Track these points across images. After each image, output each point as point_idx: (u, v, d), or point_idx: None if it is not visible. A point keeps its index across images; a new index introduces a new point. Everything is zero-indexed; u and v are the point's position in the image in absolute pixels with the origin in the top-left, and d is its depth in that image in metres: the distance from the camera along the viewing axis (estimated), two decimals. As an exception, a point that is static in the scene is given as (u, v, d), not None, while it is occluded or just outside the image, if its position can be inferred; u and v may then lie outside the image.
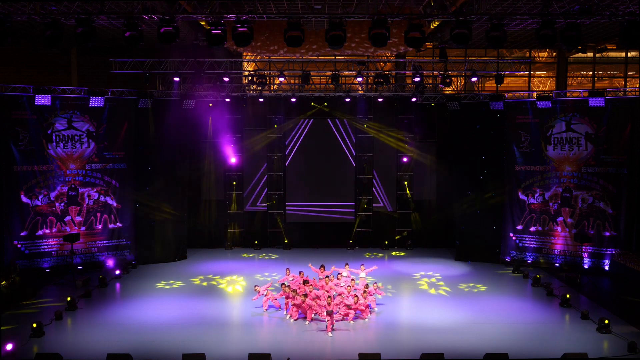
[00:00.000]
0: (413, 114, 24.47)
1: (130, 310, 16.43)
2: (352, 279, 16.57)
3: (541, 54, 25.76)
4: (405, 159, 24.61)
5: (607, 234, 20.53)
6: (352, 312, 15.27)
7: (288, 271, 17.22)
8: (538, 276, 19.24)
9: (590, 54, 23.55)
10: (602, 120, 20.45)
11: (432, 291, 18.08)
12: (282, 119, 24.65)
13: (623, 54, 24.68)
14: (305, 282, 15.95)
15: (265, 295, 16.08)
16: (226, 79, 21.01)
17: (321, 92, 23.56)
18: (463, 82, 24.42)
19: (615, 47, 23.03)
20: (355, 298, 15.20)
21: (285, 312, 15.85)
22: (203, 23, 16.46)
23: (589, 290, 18.43)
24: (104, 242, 21.55)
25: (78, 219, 21.08)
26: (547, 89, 25.76)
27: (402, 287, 19.06)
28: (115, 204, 21.72)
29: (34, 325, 14.10)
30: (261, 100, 23.98)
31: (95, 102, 20.60)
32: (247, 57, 23.16)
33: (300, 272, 16.66)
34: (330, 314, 14.47)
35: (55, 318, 15.30)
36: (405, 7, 15.48)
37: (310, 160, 24.86)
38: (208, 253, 23.86)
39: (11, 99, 19.61)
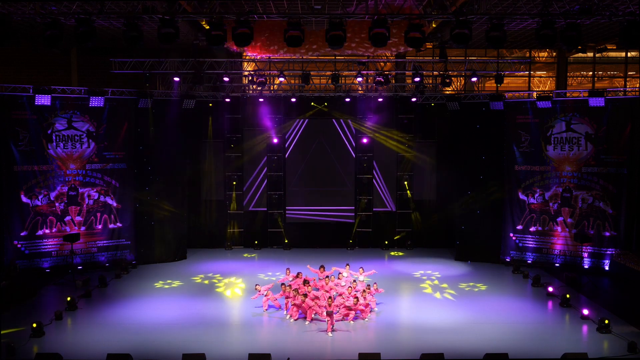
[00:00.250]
0: (413, 114, 24.48)
1: (130, 310, 16.43)
2: (354, 280, 16.57)
3: (541, 54, 25.76)
4: (365, 140, 24.54)
5: (607, 234, 20.53)
6: (352, 312, 15.28)
7: (288, 271, 17.24)
8: (538, 276, 19.24)
9: (590, 54, 23.55)
10: (602, 120, 20.45)
11: (437, 295, 17.93)
12: (282, 119, 24.65)
13: (623, 54, 24.68)
14: (305, 282, 15.95)
15: (266, 295, 16.08)
16: (226, 79, 21.01)
17: (321, 92, 23.56)
18: (463, 82, 24.41)
19: (615, 47, 23.04)
20: (355, 299, 15.20)
21: (285, 312, 15.85)
22: (203, 23, 16.50)
23: (589, 290, 18.43)
24: (104, 242, 21.56)
25: (78, 219, 21.08)
26: (547, 89, 25.76)
27: (402, 287, 19.06)
28: (115, 204, 21.72)
29: (34, 325, 14.11)
30: (261, 100, 23.98)
31: (95, 102, 20.60)
32: (247, 57, 23.16)
33: (298, 274, 16.65)
34: (330, 314, 14.47)
35: (55, 318, 15.30)
36: (405, 7, 15.46)
37: (310, 160, 24.85)
38: (208, 253, 23.87)
39: (11, 99, 19.61)
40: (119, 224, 21.83)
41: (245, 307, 16.65)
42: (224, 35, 12.71)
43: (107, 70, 20.77)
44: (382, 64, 22.98)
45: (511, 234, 22.25)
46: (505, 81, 21.44)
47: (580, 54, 23.69)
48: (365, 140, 24.71)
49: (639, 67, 24.46)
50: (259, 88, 22.40)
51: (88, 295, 17.59)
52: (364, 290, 15.71)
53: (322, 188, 24.90)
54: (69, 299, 16.43)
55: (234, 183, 24.73)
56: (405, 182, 24.85)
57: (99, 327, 15.03)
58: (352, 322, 15.18)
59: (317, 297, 15.45)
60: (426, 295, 17.98)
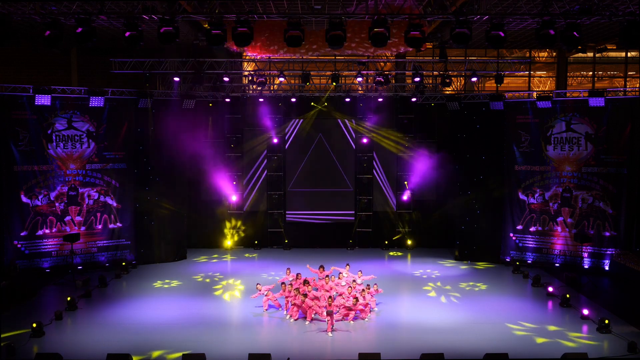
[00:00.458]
0: (413, 114, 24.48)
1: (130, 310, 16.43)
2: (354, 280, 16.56)
3: (541, 54, 25.76)
4: (365, 140, 24.58)
5: (607, 234, 20.53)
6: (352, 312, 15.27)
7: (288, 271, 17.24)
8: (538, 276, 19.24)
9: (590, 54, 23.55)
10: (602, 120, 20.45)
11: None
12: (282, 119, 24.65)
13: (623, 54, 24.68)
14: (306, 282, 15.95)
15: (266, 295, 16.08)
16: (226, 79, 21.02)
17: (321, 92, 23.56)
18: (463, 82, 24.42)
19: (615, 47, 23.03)
20: (355, 300, 15.19)
21: (285, 312, 15.85)
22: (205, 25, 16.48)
23: (589, 290, 18.43)
24: (104, 242, 21.56)
25: (78, 219, 21.08)
26: (547, 89, 25.77)
27: (402, 287, 19.06)
28: (115, 204, 21.73)
29: (34, 325, 14.10)
30: (261, 100, 23.98)
31: (95, 102, 20.60)
32: (247, 57, 23.16)
33: (298, 274, 16.64)
34: (330, 314, 14.47)
35: (55, 318, 15.30)
36: (405, 7, 15.46)
37: (310, 160, 24.85)
38: (208, 253, 23.88)
39: (11, 99, 19.61)
40: (119, 224, 21.83)
41: (245, 307, 16.65)
42: (224, 35, 12.72)
43: (107, 70, 20.77)
44: (382, 64, 22.98)
45: (511, 234, 22.25)
46: (505, 81, 21.45)
47: (580, 54, 23.69)
48: (365, 140, 24.70)
49: (639, 67, 24.46)
50: (259, 88, 22.40)
51: (88, 295, 17.59)
52: (362, 290, 15.72)
53: (322, 188, 24.90)
54: (69, 299, 16.42)
55: (234, 183, 24.72)
56: (405, 182, 24.84)
57: (99, 327, 15.02)
58: (352, 322, 15.18)
59: (317, 297, 15.45)
60: (426, 296, 17.96)
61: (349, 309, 15.20)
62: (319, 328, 14.74)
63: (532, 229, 21.90)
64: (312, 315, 15.17)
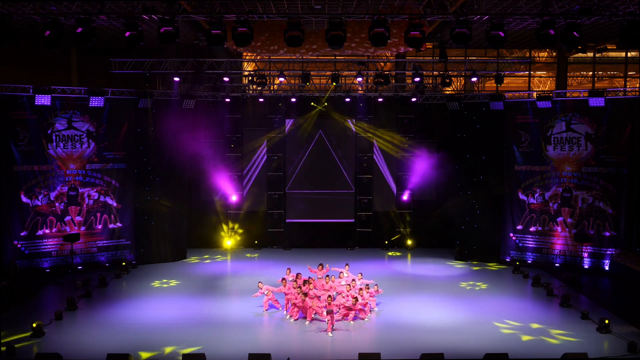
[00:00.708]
0: (413, 114, 24.48)
1: (130, 310, 16.43)
2: (353, 279, 16.56)
3: (541, 54, 25.77)
4: (365, 140, 24.62)
5: (607, 234, 20.54)
6: (352, 312, 15.27)
7: (289, 271, 17.22)
8: (538, 276, 19.24)
9: (590, 54, 23.55)
10: (602, 120, 20.45)
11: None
12: (282, 119, 24.65)
13: (623, 54, 24.69)
14: (306, 282, 15.94)
15: (266, 295, 16.06)
16: (226, 79, 21.02)
17: (321, 92, 23.56)
18: (463, 82, 24.43)
19: (615, 47, 23.04)
20: (354, 300, 15.19)
21: (285, 312, 15.86)
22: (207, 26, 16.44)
23: (589, 290, 18.43)
24: (104, 242, 21.56)
25: (78, 219, 21.08)
26: (547, 89, 25.77)
27: (402, 287, 19.04)
28: (115, 204, 21.73)
29: (34, 325, 14.11)
30: (261, 100, 23.98)
31: (95, 102, 20.60)
32: (247, 57, 23.16)
33: (298, 274, 16.63)
34: (330, 313, 14.47)
35: (55, 318, 15.30)
36: (405, 7, 15.46)
37: (311, 160, 24.85)
38: (208, 253, 23.88)
39: (11, 99, 19.61)
40: (119, 224, 21.83)
41: (245, 307, 16.64)
42: (224, 35, 12.72)
43: (107, 70, 20.78)
44: (382, 64, 22.99)
45: (511, 234, 22.25)
46: (505, 81, 21.45)
47: (580, 54, 23.69)
48: (365, 140, 24.70)
49: (639, 67, 24.46)
50: (259, 88, 22.40)
51: (88, 295, 17.59)
52: (360, 289, 15.72)
53: (321, 188, 24.90)
54: (69, 299, 16.42)
55: (234, 183, 24.70)
56: (405, 182, 24.83)
57: (99, 327, 15.02)
58: (352, 322, 15.18)
59: (317, 296, 15.43)
60: (426, 296, 17.95)
61: (349, 308, 15.20)
62: (319, 328, 14.75)
63: (532, 229, 21.90)
64: (312, 315, 15.17)
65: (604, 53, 22.69)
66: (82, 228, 21.08)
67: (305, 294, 15.20)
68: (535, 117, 21.57)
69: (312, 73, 21.18)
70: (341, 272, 16.95)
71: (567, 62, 24.70)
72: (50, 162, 20.52)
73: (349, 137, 24.85)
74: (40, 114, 20.14)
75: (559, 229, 21.43)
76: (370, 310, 15.87)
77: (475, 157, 22.46)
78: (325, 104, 24.33)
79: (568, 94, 21.53)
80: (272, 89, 24.02)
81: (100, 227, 21.49)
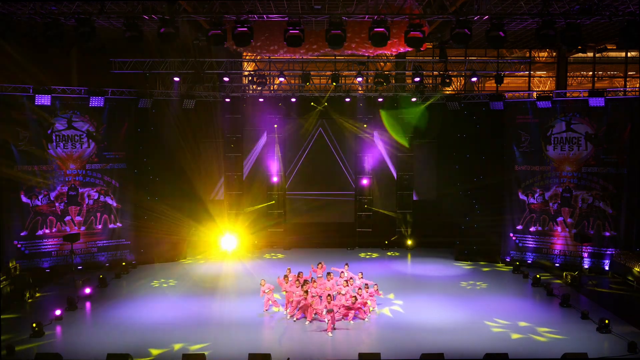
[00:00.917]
0: (413, 114, 24.45)
1: (130, 310, 16.42)
2: (351, 278, 16.56)
3: (541, 54, 25.76)
4: (365, 140, 24.63)
5: (607, 234, 20.53)
6: (352, 312, 15.27)
7: (289, 271, 17.18)
8: (538, 276, 19.24)
9: (590, 54, 23.54)
10: (602, 120, 20.45)
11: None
12: (282, 119, 24.65)
13: (623, 54, 24.67)
14: (306, 282, 15.93)
15: (267, 294, 16.04)
16: (226, 79, 21.02)
17: (321, 92, 23.56)
18: (463, 82, 24.42)
19: (615, 47, 23.01)
20: (354, 298, 15.19)
21: (285, 312, 15.86)
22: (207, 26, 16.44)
23: (589, 290, 18.43)
24: (104, 242, 21.57)
25: (78, 219, 21.08)
26: (547, 89, 25.76)
27: (402, 287, 19.03)
28: (115, 204, 21.73)
29: (34, 325, 14.10)
30: (261, 100, 23.98)
31: (95, 102, 20.61)
32: (247, 57, 23.16)
33: (299, 273, 16.64)
34: (330, 312, 14.47)
35: (55, 318, 15.29)
36: (405, 7, 15.46)
37: (311, 159, 24.87)
38: (208, 253, 23.86)
39: (11, 99, 19.61)
40: (119, 224, 21.83)
41: (245, 307, 16.64)
42: (224, 35, 12.71)
43: (107, 70, 20.76)
44: (382, 64, 22.98)
45: (511, 234, 22.25)
46: (505, 81, 21.46)
47: (580, 54, 23.68)
48: (365, 140, 24.70)
49: (639, 67, 24.44)
50: (259, 88, 22.40)
51: (88, 295, 17.58)
52: (360, 288, 15.71)
53: (321, 188, 24.92)
54: (69, 298, 16.42)
55: (234, 183, 24.70)
56: (406, 182, 24.84)
57: (99, 327, 15.03)
58: (351, 322, 15.18)
59: (318, 296, 15.41)
60: (426, 296, 17.94)
61: (349, 308, 15.20)
62: (319, 328, 14.75)
63: (532, 229, 21.90)
64: (312, 315, 15.17)
65: (604, 53, 22.66)
66: (82, 228, 21.08)
67: (307, 292, 15.19)
68: (535, 117, 21.58)
69: (312, 73, 21.19)
70: (342, 272, 16.94)
71: (567, 62, 24.68)
72: (50, 162, 20.52)
73: (348, 137, 24.82)
74: (40, 114, 20.14)
75: (559, 229, 21.43)
76: (370, 310, 15.86)
77: (475, 157, 22.45)
78: (325, 104, 24.33)
79: (568, 94, 21.53)
80: (272, 89, 24.03)
81: (100, 227, 21.49)
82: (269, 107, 24.44)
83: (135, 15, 12.82)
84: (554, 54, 24.87)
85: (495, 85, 22.39)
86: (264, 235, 24.89)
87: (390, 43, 15.38)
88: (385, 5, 16.06)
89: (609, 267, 20.30)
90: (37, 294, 17.83)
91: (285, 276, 16.26)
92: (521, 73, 24.25)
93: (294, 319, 15.36)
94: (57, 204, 20.70)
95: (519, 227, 22.12)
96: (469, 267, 21.86)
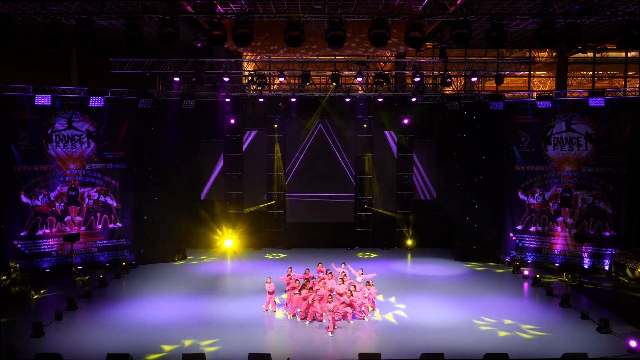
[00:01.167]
0: (413, 114, 24.48)
1: (130, 310, 16.43)
2: (345, 274, 16.58)
3: (541, 54, 25.76)
4: (365, 140, 24.63)
5: (607, 234, 20.53)
6: (350, 310, 15.22)
7: (290, 270, 17.13)
8: (538, 276, 19.24)
9: (590, 54, 23.54)
10: (602, 120, 20.45)
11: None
12: (282, 119, 24.65)
13: (623, 54, 24.67)
14: (307, 281, 15.93)
15: (270, 293, 16.02)
16: (226, 79, 21.02)
17: (321, 92, 23.56)
18: (463, 82, 24.42)
19: (615, 47, 23.02)
20: (349, 292, 15.15)
21: (285, 312, 15.86)
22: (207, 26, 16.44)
23: (589, 290, 18.44)
24: (104, 242, 21.56)
25: (78, 219, 21.08)
26: (547, 89, 25.76)
27: (402, 287, 19.04)
28: (115, 204, 21.73)
29: (34, 325, 14.09)
30: (261, 100, 23.98)
31: (95, 102, 20.61)
32: (247, 57, 23.16)
33: (306, 271, 16.61)
34: (331, 312, 14.48)
35: (55, 318, 15.30)
36: (405, 7, 15.47)
37: (311, 160, 24.87)
38: (208, 253, 23.87)
39: (11, 99, 19.62)
40: (119, 224, 21.83)
41: (245, 307, 16.65)
42: (224, 35, 12.71)
43: (107, 70, 20.77)
44: (382, 64, 22.98)
45: (511, 234, 22.25)
46: (505, 81, 21.46)
47: (580, 54, 23.68)
48: (365, 140, 24.69)
49: (639, 67, 24.44)
50: (259, 88, 22.40)
51: (88, 295, 17.59)
52: (354, 286, 15.70)
53: (322, 188, 24.90)
54: (69, 298, 16.42)
55: (234, 183, 24.71)
56: (405, 182, 24.83)
57: (99, 327, 15.03)
58: (351, 322, 15.18)
59: (320, 296, 15.39)
60: (426, 296, 17.94)
61: (346, 304, 15.11)
62: (319, 328, 14.75)
63: (532, 229, 21.90)
64: (313, 316, 15.17)
65: (604, 53, 22.68)
66: (82, 228, 21.08)
67: (311, 289, 15.22)
68: (535, 117, 21.57)
69: (312, 73, 21.19)
70: (343, 272, 16.90)
71: (567, 62, 24.69)
72: (50, 162, 20.52)
73: (348, 137, 24.82)
74: (40, 114, 20.15)
75: (559, 229, 21.43)
76: (370, 310, 15.86)
77: (475, 157, 22.45)
78: (325, 103, 24.32)
79: (568, 94, 21.53)
80: (272, 89, 24.02)
81: (100, 227, 21.49)
82: (269, 107, 24.45)
83: (135, 15, 12.81)
84: (554, 54, 24.87)
85: (495, 85, 22.39)
86: (264, 235, 24.88)
87: (390, 43, 15.40)
88: (385, 5, 16.07)
89: (609, 267, 20.30)
90: (37, 294, 17.84)
91: (288, 275, 16.24)
92: (521, 73, 24.25)
93: (299, 318, 15.36)
94: (57, 204, 20.70)
95: (519, 227, 22.12)
96: (469, 267, 21.86)
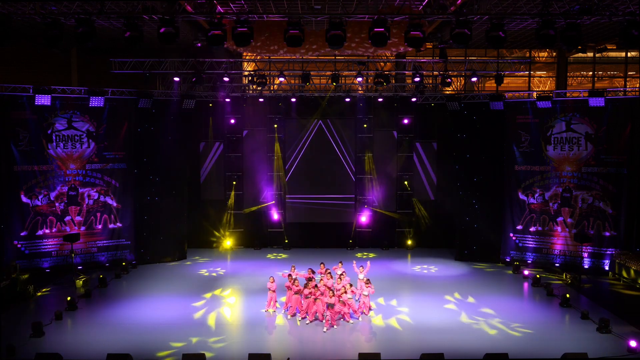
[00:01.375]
0: (413, 114, 24.48)
1: (130, 310, 16.43)
2: (343, 272, 16.59)
3: (541, 54, 25.76)
4: (365, 140, 24.56)
5: (607, 234, 20.53)
6: (347, 310, 15.18)
7: (293, 268, 17.12)
8: (538, 276, 19.24)
9: (590, 54, 23.54)
10: (602, 120, 20.45)
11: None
12: (282, 119, 24.65)
13: (623, 54, 24.67)
14: (309, 280, 15.93)
15: (271, 290, 16.01)
16: (226, 79, 21.02)
17: (321, 92, 23.56)
18: (463, 82, 24.42)
19: (615, 47, 23.02)
20: (343, 289, 15.14)
21: (285, 311, 15.87)
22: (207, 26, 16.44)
23: (589, 290, 18.43)
24: (104, 242, 21.56)
25: (78, 219, 21.08)
26: (547, 89, 25.76)
27: (402, 287, 19.05)
28: (115, 204, 21.72)
29: (34, 325, 14.09)
30: (261, 100, 23.99)
31: (95, 102, 20.61)
32: (247, 57, 23.16)
33: (308, 270, 16.61)
34: (331, 308, 14.51)
35: (55, 318, 15.30)
36: (405, 7, 15.47)
37: (311, 160, 24.86)
38: (208, 253, 23.87)
39: (11, 99, 19.61)
40: (119, 224, 21.83)
41: (245, 307, 16.66)
42: (224, 35, 12.71)
43: (107, 70, 20.77)
44: (382, 64, 22.98)
45: (511, 234, 22.25)
46: (505, 81, 21.45)
47: (580, 54, 23.68)
48: (365, 140, 24.69)
49: (639, 67, 24.45)
50: (259, 88, 22.40)
51: (88, 295, 17.59)
52: (350, 284, 15.71)
53: (322, 187, 24.89)
54: (69, 299, 16.43)
55: (234, 183, 24.72)
56: (405, 182, 24.84)
57: (99, 327, 15.02)
58: (350, 321, 15.18)
59: (322, 293, 15.38)
60: (426, 296, 17.94)
61: (343, 303, 15.09)
62: (319, 328, 14.75)
63: (532, 229, 21.90)
64: (314, 315, 15.17)
65: (604, 53, 22.69)
66: (82, 228, 21.08)
67: (316, 286, 15.26)
68: (535, 117, 21.57)
69: (312, 73, 21.19)
70: (343, 273, 16.90)
71: (567, 62, 24.69)
72: (50, 162, 20.52)
73: (348, 137, 24.81)
74: (40, 114, 20.15)
75: (559, 229, 21.43)
76: (370, 310, 15.86)
77: (475, 157, 22.44)
78: (325, 103, 24.32)
79: (568, 94, 21.53)
80: (272, 89, 24.03)
81: (100, 227, 21.49)
82: (269, 107, 24.46)
83: (135, 15, 12.82)
84: (554, 54, 24.87)
85: (495, 85, 22.39)
86: (264, 235, 24.87)
87: (390, 43, 15.40)
88: (385, 5, 16.08)
89: (609, 267, 20.30)
90: (37, 294, 17.85)
91: (289, 275, 16.22)
92: (521, 73, 24.24)
93: (300, 317, 15.37)
94: (57, 204, 20.70)
95: (519, 227, 22.12)
96: (469, 267, 21.86)
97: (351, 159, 24.94)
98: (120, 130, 21.61)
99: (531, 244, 21.94)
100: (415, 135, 24.72)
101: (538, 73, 26.47)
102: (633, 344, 13.20)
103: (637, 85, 24.30)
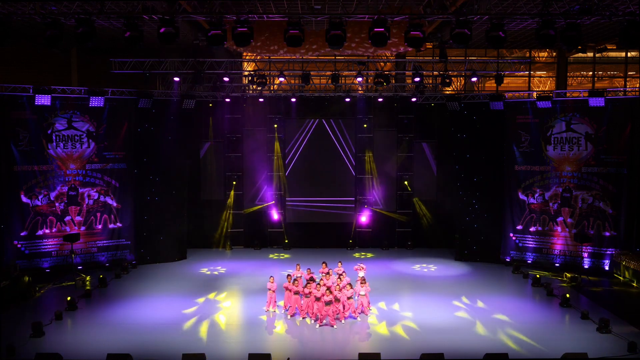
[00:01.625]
0: (413, 114, 24.48)
1: (130, 310, 16.43)
2: (343, 272, 16.57)
3: (541, 54, 25.75)
4: (364, 140, 24.40)
5: (607, 234, 20.53)
6: (341, 309, 15.16)
7: (298, 267, 17.11)
8: (538, 276, 19.24)
9: (590, 54, 23.54)
10: (602, 120, 20.45)
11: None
12: (282, 119, 24.65)
13: (623, 54, 24.67)
14: (310, 280, 15.94)
15: (271, 290, 16.00)
16: (226, 79, 21.02)
17: (321, 92, 23.56)
18: (463, 82, 24.42)
19: (615, 47, 23.02)
20: (338, 286, 15.15)
21: (284, 311, 15.87)
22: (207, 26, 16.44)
23: (589, 290, 18.43)
24: (104, 242, 21.56)
25: (78, 219, 21.08)
26: (547, 89, 25.75)
27: (402, 287, 19.04)
28: (115, 204, 21.72)
29: (34, 325, 14.09)
30: (261, 100, 24.00)
31: (95, 102, 20.61)
32: (247, 57, 23.16)
33: (308, 270, 16.62)
34: (329, 304, 14.51)
35: (55, 318, 15.30)
36: (405, 7, 15.47)
37: (311, 160, 24.87)
38: (208, 253, 23.87)
39: (11, 99, 19.61)
40: (119, 224, 21.82)
41: (245, 307, 16.65)
42: (224, 35, 12.71)
43: (107, 70, 20.76)
44: (382, 64, 22.98)
45: (511, 234, 22.25)
46: (505, 81, 21.44)
47: (580, 54, 23.68)
48: (365, 140, 24.69)
49: (639, 67, 24.44)
50: (259, 88, 22.40)
51: (88, 295, 17.59)
52: (349, 284, 15.71)
53: (322, 187, 24.91)
54: (69, 299, 16.42)
55: (234, 183, 24.72)
56: (405, 182, 24.84)
57: (99, 327, 15.02)
58: (343, 321, 15.13)
59: (322, 294, 15.37)
60: (426, 296, 17.94)
61: (338, 300, 15.09)
62: (319, 328, 14.75)
63: (532, 229, 21.90)
64: (315, 316, 15.17)
65: (604, 53, 22.68)
66: (82, 228, 21.08)
67: (319, 284, 15.25)
68: (535, 117, 21.57)
69: (312, 73, 21.18)
70: (343, 272, 16.90)
71: (567, 62, 24.68)
72: (50, 162, 20.52)
73: (348, 137, 24.81)
74: (40, 114, 20.14)
75: (559, 229, 21.43)
76: (368, 309, 15.87)
77: (475, 157, 22.45)
78: (326, 103, 24.31)
79: (568, 94, 21.53)
80: (272, 89, 24.03)
81: (100, 227, 21.49)
82: (269, 107, 24.45)
83: (135, 15, 12.82)
84: (554, 54, 24.86)
85: (495, 85, 22.38)
86: (264, 235, 24.88)
87: (390, 43, 15.38)
88: (385, 5, 16.08)
89: (609, 267, 20.30)
90: (37, 294, 17.85)
91: (288, 275, 16.21)
92: (521, 73, 24.24)
93: (301, 317, 15.37)
94: (57, 204, 20.70)
95: (519, 227, 22.12)
96: (469, 267, 21.86)
97: (351, 159, 24.94)
98: (120, 130, 21.61)
99: (531, 244, 21.94)
100: (415, 135, 24.73)
101: (538, 73, 26.47)
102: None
103: (637, 85, 24.29)
